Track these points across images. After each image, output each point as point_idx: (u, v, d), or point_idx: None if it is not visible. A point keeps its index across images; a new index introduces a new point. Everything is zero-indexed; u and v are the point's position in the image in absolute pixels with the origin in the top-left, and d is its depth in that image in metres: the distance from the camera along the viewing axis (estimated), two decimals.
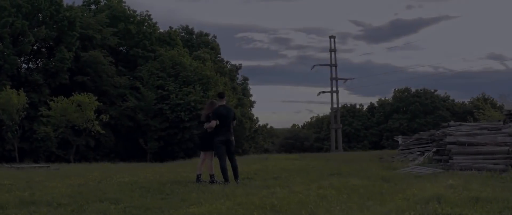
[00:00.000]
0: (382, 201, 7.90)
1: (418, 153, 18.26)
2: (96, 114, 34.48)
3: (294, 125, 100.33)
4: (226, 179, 11.75)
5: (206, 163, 12.14)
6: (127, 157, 39.52)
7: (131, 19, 49.67)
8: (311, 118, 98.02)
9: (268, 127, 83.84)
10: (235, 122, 12.30)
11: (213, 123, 12.03)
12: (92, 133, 34.86)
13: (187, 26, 64.82)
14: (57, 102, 32.94)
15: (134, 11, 50.37)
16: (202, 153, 12.25)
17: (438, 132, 16.02)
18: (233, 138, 12.08)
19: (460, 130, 15.03)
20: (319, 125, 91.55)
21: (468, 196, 7.84)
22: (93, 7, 51.38)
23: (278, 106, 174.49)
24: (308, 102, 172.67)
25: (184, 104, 44.26)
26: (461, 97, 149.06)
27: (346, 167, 15.36)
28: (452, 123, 16.80)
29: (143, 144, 44.96)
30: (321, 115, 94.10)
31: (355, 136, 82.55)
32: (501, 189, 8.96)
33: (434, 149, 16.05)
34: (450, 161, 13.49)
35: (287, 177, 13.16)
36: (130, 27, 48.14)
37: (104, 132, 36.75)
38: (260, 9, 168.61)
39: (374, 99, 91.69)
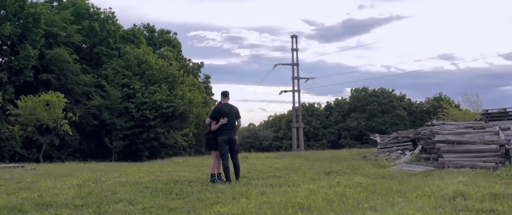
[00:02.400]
0: (405, 199, 8.12)
1: (399, 151, 18.70)
2: (63, 113, 33.80)
3: (250, 124, 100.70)
4: (228, 178, 11.74)
5: (217, 161, 12.08)
6: (92, 156, 38.87)
7: (95, 16, 48.82)
8: (269, 117, 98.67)
9: None
10: (240, 120, 12.27)
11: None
12: (61, 132, 34.13)
13: (148, 24, 64.19)
14: (26, 101, 32.10)
15: (98, 9, 49.58)
16: (213, 153, 12.22)
17: (425, 131, 16.50)
18: (236, 136, 12.08)
19: (446, 129, 15.53)
20: (277, 123, 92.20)
21: (486, 192, 8.16)
22: (55, 4, 50.15)
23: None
24: (262, 101, 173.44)
25: (150, 103, 43.88)
26: (413, 96, 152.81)
27: (336, 165, 15.53)
28: (435, 121, 17.32)
29: (108, 143, 44.34)
30: (278, 113, 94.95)
31: (314, 134, 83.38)
32: (507, 185, 9.35)
33: (420, 147, 16.53)
34: (439, 159, 13.93)
35: (284, 175, 13.26)
36: (94, 24, 47.28)
37: (70, 133, 36.06)
38: (212, 7, 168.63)
39: (327, 99, 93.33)
